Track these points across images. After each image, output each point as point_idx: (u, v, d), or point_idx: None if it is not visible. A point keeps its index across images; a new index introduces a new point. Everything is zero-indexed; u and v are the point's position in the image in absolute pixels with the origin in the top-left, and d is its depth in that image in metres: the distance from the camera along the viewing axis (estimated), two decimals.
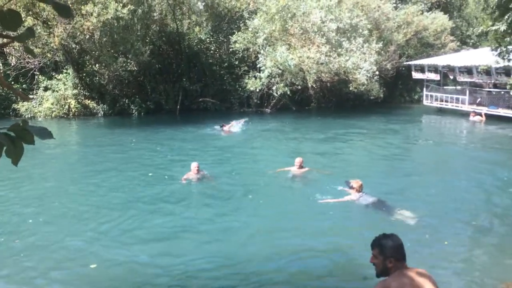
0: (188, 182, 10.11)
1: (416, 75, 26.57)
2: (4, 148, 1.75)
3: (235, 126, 18.53)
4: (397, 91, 30.72)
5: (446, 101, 24.65)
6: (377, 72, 22.43)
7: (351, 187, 8.52)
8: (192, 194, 9.54)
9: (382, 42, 24.10)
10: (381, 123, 20.79)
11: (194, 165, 10.31)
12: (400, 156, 13.45)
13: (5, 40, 2.01)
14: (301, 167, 10.39)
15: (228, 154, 13.94)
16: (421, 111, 25.79)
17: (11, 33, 1.87)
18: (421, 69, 26.06)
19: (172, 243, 6.85)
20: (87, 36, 21.36)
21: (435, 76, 25.34)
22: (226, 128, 18.11)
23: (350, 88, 22.87)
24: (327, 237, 7.01)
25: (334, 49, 21.63)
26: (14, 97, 23.35)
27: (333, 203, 8.35)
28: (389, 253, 3.09)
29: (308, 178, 10.31)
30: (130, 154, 14.05)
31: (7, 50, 25.83)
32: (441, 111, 24.88)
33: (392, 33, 25.90)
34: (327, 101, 27.09)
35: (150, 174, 10.97)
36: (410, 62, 26.63)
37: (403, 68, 27.91)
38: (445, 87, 26.27)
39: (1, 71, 22.80)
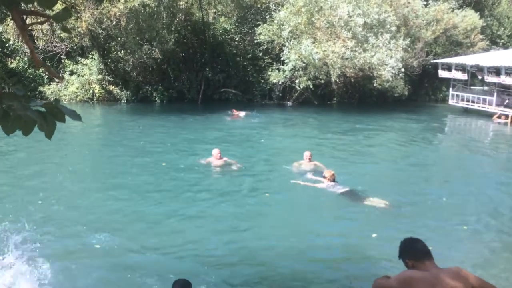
0: (205, 170, 10.16)
1: (442, 73, 26.00)
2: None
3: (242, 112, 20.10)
4: (422, 90, 30.13)
5: (473, 102, 24.08)
6: (402, 69, 22.04)
7: (324, 177, 9.07)
8: (205, 182, 9.56)
9: (409, 39, 23.65)
10: (404, 121, 20.45)
11: (215, 152, 10.64)
12: (418, 156, 13.18)
13: (40, 19, 2.03)
14: (309, 160, 10.53)
15: (244, 145, 14.06)
16: (446, 110, 25.27)
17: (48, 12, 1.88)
18: (448, 67, 25.49)
19: (182, 231, 6.93)
20: (114, 22, 21.58)
21: (462, 76, 24.76)
22: (235, 113, 19.83)
23: (374, 85, 22.58)
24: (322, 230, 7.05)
25: (360, 44, 21.32)
26: (40, 80, 23.83)
27: (303, 186, 9.08)
28: (403, 255, 3.25)
29: (315, 172, 10.36)
30: (148, 140, 14.19)
31: (35, 34, 26.34)
32: (466, 112, 24.34)
33: (421, 30, 25.34)
34: (349, 96, 26.79)
35: (163, 164, 10.95)
36: (437, 60, 26.06)
37: (430, 66, 27.32)
38: (472, 87, 25.66)
39: (36, 52, 23.13)
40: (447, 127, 20.92)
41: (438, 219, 7.75)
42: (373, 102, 26.31)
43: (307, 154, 10.58)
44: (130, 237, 6.56)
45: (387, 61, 21.23)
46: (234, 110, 20.32)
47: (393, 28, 22.50)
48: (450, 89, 26.12)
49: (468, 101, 24.40)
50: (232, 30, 25.84)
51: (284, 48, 22.63)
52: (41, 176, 9.61)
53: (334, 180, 8.94)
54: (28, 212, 7.36)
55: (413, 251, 3.17)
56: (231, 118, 19.50)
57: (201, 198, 8.48)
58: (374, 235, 6.85)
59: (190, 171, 10.30)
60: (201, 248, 6.28)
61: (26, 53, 25.04)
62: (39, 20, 2.36)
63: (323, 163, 10.70)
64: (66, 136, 13.86)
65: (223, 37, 25.51)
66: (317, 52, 20.92)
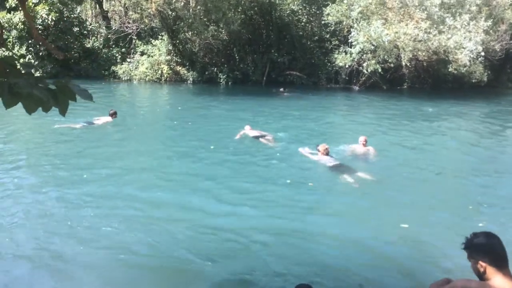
0: (249, 154, 10.00)
1: None
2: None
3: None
4: (505, 75, 27.83)
5: None
6: (482, 53, 20.37)
7: (318, 150, 9.54)
8: (249, 167, 9.24)
9: (492, 20, 21.75)
10: (480, 109, 18.85)
11: (247, 127, 11.71)
12: (484, 149, 11.68)
13: None
14: (364, 145, 10.26)
15: (301, 126, 13.71)
16: None
17: None
18: None
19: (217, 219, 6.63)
20: (182, 3, 21.88)
21: None
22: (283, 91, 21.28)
23: (450, 69, 21.14)
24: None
25: (435, 25, 19.96)
26: (114, 60, 24.91)
27: (305, 157, 9.68)
28: (477, 255, 2.68)
29: (369, 157, 10.03)
30: (207, 121, 14.23)
31: (110, 15, 27.52)
32: None
33: (505, 10, 23.25)
34: (422, 81, 25.35)
35: (212, 147, 10.67)
36: None
37: None
38: None
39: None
40: None
41: (460, 217, 6.72)
42: (448, 88, 24.70)
43: (361, 139, 10.32)
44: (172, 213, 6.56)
45: (465, 44, 19.71)
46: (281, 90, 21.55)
47: (474, 8, 20.81)
48: None
49: None
50: (299, 11, 25.27)
51: (352, 29, 21.75)
52: (113, 152, 9.98)
53: (327, 154, 9.37)
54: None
55: (495, 255, 2.63)
56: (285, 95, 20.78)
57: (244, 186, 8.06)
58: (405, 225, 6.29)
59: (235, 155, 10.02)
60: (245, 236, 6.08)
61: (101, 34, 26.26)
62: None
63: (378, 149, 10.29)
64: (132, 115, 14.36)
65: (290, 18, 25.02)
66: (387, 34, 19.86)
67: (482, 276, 2.68)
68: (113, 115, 12.63)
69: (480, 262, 2.66)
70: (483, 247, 2.66)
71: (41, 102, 1.71)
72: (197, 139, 11.54)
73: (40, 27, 22.33)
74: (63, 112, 1.80)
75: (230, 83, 24.30)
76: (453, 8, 20.66)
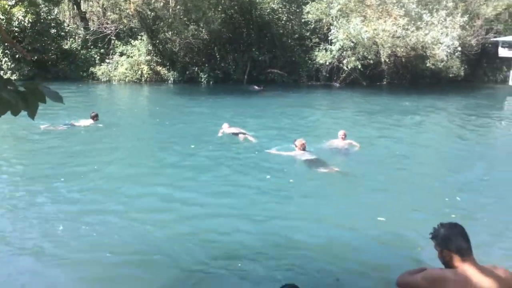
0: (227, 154, 10.00)
1: (503, 52, 24.33)
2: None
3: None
4: (480, 70, 28.40)
5: None
6: (459, 48, 20.78)
7: (295, 145, 9.59)
8: (228, 164, 9.24)
9: (468, 15, 22.19)
10: (457, 103, 19.21)
11: (225, 125, 11.68)
12: (461, 141, 11.88)
13: None
14: (343, 139, 10.50)
15: (282, 124, 13.78)
16: (505, 92, 23.61)
17: None
18: (510, 46, 23.79)
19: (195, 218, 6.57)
20: (161, 3, 21.75)
21: None
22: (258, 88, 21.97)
23: (427, 65, 21.53)
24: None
25: (413, 22, 20.27)
26: (92, 61, 24.60)
27: (275, 154, 9.58)
28: (443, 244, 2.80)
29: (349, 151, 10.23)
30: (189, 120, 14.19)
31: (89, 16, 27.18)
32: None
33: (480, 6, 23.75)
34: (400, 77, 25.70)
35: (192, 146, 10.54)
36: (498, 39, 24.37)
37: (490, 45, 25.64)
38: None
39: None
40: (504, 111, 19.45)
41: (433, 206, 6.84)
42: (426, 83, 25.10)
43: (341, 133, 10.59)
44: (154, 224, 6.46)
45: (442, 39, 20.08)
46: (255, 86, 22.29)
47: (450, 4, 21.23)
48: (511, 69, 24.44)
49: None
50: (279, 9, 25.36)
51: (332, 27, 21.95)
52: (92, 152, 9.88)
53: (304, 149, 9.42)
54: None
55: (458, 244, 2.74)
56: (260, 87, 21.90)
57: (222, 186, 7.91)
58: (381, 219, 6.37)
59: (215, 154, 9.99)
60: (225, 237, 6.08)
61: (79, 35, 25.91)
62: None
63: (357, 142, 10.46)
64: (111, 115, 14.23)
65: (270, 16, 25.10)
66: (366, 31, 20.09)
67: (448, 264, 2.79)
68: (95, 117, 12.53)
69: (446, 251, 2.77)
70: (448, 237, 2.77)
71: (9, 105, 1.72)
72: (177, 138, 11.50)
73: (16, 29, 21.98)
74: (32, 114, 1.81)
75: (211, 82, 24.25)
76: (430, 5, 21.02)
